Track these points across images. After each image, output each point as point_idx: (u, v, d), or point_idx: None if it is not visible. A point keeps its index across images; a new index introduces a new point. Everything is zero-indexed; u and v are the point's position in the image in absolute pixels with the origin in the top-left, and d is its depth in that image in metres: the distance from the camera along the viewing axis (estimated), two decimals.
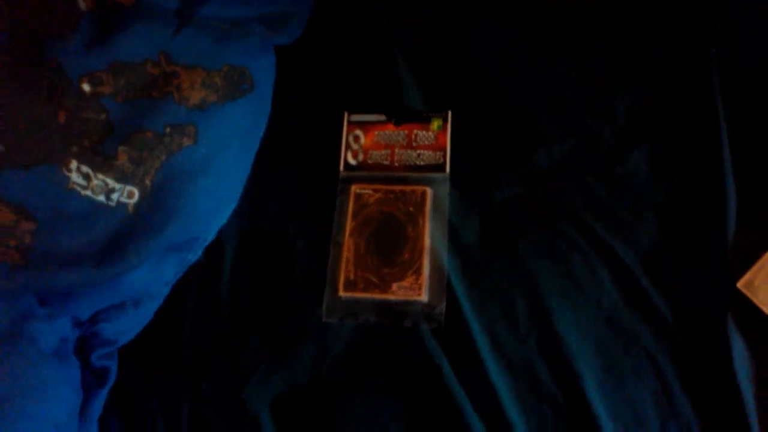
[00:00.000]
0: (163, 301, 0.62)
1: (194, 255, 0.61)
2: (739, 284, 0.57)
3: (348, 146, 0.68)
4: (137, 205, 0.54)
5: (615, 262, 0.60)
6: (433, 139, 0.67)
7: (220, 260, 0.64)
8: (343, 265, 0.62)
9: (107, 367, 0.56)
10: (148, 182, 0.54)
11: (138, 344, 0.61)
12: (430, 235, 0.63)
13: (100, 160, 0.52)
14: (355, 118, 0.69)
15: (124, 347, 0.60)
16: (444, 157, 0.66)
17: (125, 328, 0.58)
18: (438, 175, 0.65)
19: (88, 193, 0.51)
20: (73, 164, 0.51)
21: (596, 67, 0.67)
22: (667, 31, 0.68)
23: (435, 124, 0.67)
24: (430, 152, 0.67)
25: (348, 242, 0.63)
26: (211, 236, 0.63)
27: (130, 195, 0.53)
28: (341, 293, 0.61)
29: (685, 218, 0.61)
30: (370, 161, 0.67)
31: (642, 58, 0.67)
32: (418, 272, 0.61)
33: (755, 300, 0.56)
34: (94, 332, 0.55)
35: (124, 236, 0.53)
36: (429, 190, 0.64)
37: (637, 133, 0.64)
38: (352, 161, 0.67)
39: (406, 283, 0.61)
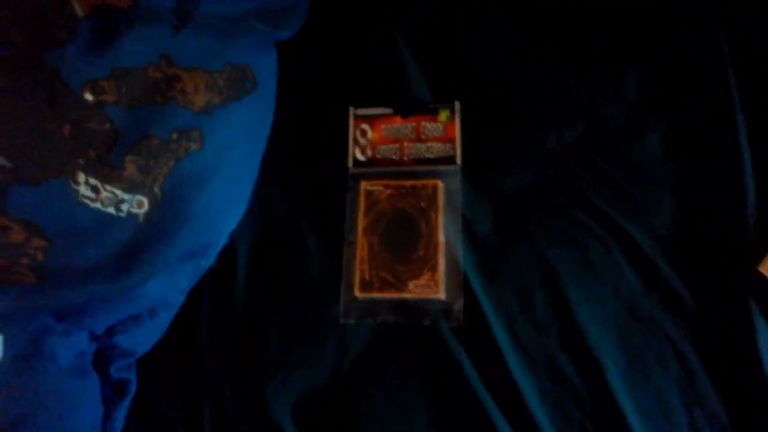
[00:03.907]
0: (178, 309, 0.61)
1: (207, 261, 0.60)
2: (761, 267, 0.56)
3: (356, 141, 0.67)
4: (147, 214, 0.53)
5: (632, 248, 0.59)
6: (441, 131, 0.66)
7: (233, 264, 0.63)
8: (358, 264, 0.61)
9: (127, 378, 0.56)
10: (157, 190, 0.53)
11: (156, 354, 0.60)
12: (443, 229, 0.62)
13: (108, 171, 0.50)
14: (361, 111, 0.67)
15: (142, 357, 0.59)
16: (454, 148, 0.65)
17: (142, 338, 0.57)
18: (449, 168, 0.64)
19: (98, 205, 0.50)
20: (81, 177, 0.49)
21: (605, 45, 0.66)
22: (674, 6, 0.66)
23: (443, 115, 0.66)
24: (440, 144, 0.65)
25: (361, 240, 0.62)
26: (223, 241, 0.62)
27: (140, 205, 0.52)
28: (357, 294, 0.61)
29: (702, 200, 0.60)
30: (378, 156, 0.66)
31: (650, 34, 0.65)
32: (433, 269, 0.60)
33: None
34: (111, 345, 0.55)
35: (137, 247, 0.52)
36: (440, 184, 0.63)
37: (649, 112, 0.63)
38: (360, 157, 0.66)
39: (422, 281, 0.60)
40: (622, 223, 0.60)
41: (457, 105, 0.66)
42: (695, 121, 0.62)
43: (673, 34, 0.65)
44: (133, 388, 0.57)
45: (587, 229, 0.61)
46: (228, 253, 0.63)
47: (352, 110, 0.67)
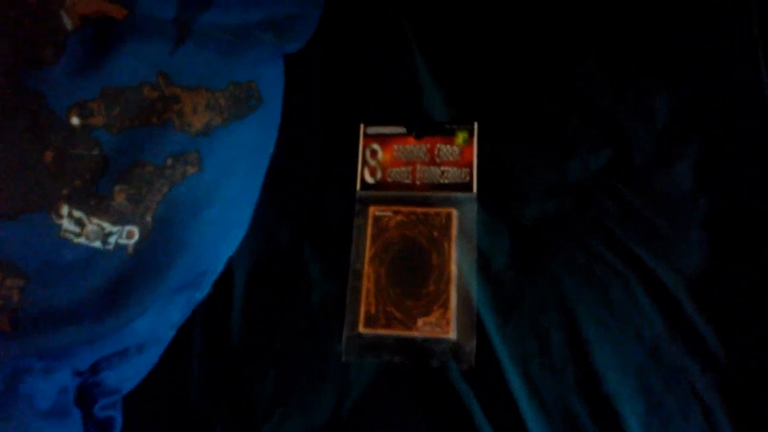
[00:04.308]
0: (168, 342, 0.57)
1: (202, 293, 0.57)
2: None
3: (365, 162, 0.63)
4: (138, 245, 0.49)
5: (657, 287, 0.56)
6: (458, 155, 0.62)
7: (228, 293, 0.60)
8: (364, 297, 0.58)
9: (111, 417, 0.52)
10: (149, 218, 0.49)
11: (143, 389, 0.56)
12: (456, 262, 0.58)
13: (95, 202, 0.46)
14: (372, 130, 0.63)
15: (129, 393, 0.56)
16: (470, 174, 0.61)
17: (129, 374, 0.54)
18: (464, 195, 0.60)
19: (82, 240, 0.46)
20: (64, 209, 0.45)
21: (632, 65, 0.62)
22: (708, 20, 0.62)
23: (460, 137, 0.62)
24: (455, 169, 0.61)
25: (367, 271, 0.58)
26: (219, 268, 0.58)
27: (130, 235, 0.48)
28: (361, 329, 0.57)
29: (735, 236, 0.56)
30: (389, 179, 0.62)
31: (683, 52, 0.62)
32: (444, 306, 0.56)
33: None
34: (95, 381, 0.51)
35: (125, 282, 0.48)
36: (455, 212, 0.59)
37: (681, 139, 0.60)
38: (369, 179, 0.62)
39: (432, 319, 0.56)
40: (647, 260, 0.57)
41: (476, 127, 0.62)
42: (729, 149, 0.59)
43: (707, 54, 0.61)
44: (118, 426, 0.53)
45: (609, 265, 0.57)
46: (224, 281, 0.60)
47: (362, 128, 0.64)
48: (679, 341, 0.55)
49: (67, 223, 0.45)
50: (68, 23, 0.45)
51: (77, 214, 0.45)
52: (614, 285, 0.57)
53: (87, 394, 0.51)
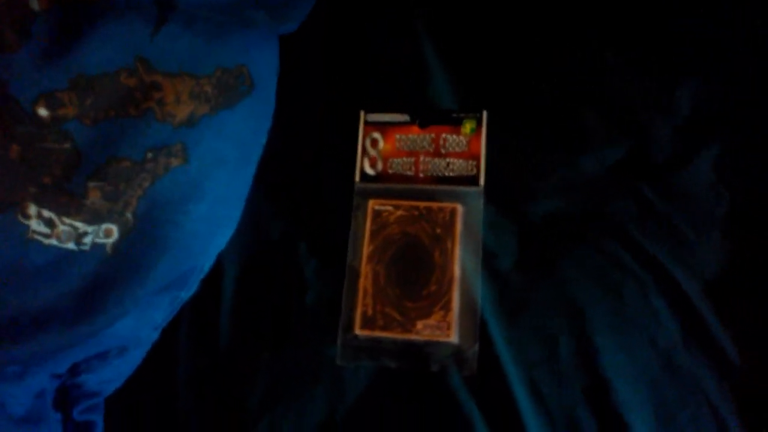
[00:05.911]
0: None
1: (188, 292, 0.54)
2: None
3: (365, 152, 0.60)
4: (117, 244, 0.46)
5: (674, 292, 0.54)
6: (464, 146, 0.58)
7: (217, 290, 0.57)
8: (360, 297, 0.55)
9: (92, 421, 0.50)
10: (129, 215, 0.46)
11: (126, 392, 0.55)
12: (460, 262, 0.55)
13: (66, 200, 0.43)
14: (373, 117, 0.60)
15: (111, 396, 0.54)
16: (477, 167, 0.58)
17: (109, 377, 0.52)
18: (470, 189, 0.57)
19: (53, 241, 0.43)
20: (32, 209, 0.42)
21: (653, 53, 0.59)
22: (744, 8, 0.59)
23: (467, 126, 0.59)
24: (461, 161, 0.58)
25: (365, 269, 0.56)
26: (207, 265, 0.55)
27: (108, 233, 0.45)
28: (358, 331, 0.55)
29: (760, 239, 0.54)
30: (390, 171, 0.59)
31: (709, 38, 0.59)
32: (446, 308, 0.54)
33: None
34: (74, 384, 0.49)
35: (103, 284, 0.45)
36: (459, 208, 0.56)
37: (704, 132, 0.57)
38: (369, 170, 0.59)
39: (432, 321, 0.54)
40: (664, 263, 0.54)
41: (485, 116, 0.59)
42: (755, 144, 0.56)
43: (735, 43, 0.58)
44: (99, 431, 0.51)
45: (624, 267, 0.55)
46: (212, 278, 0.57)
47: (362, 115, 0.61)
48: (696, 350, 0.52)
49: (35, 224, 0.42)
50: (35, 3, 0.42)
51: (47, 213, 0.42)
52: (628, 288, 0.54)
53: (66, 396, 0.49)
